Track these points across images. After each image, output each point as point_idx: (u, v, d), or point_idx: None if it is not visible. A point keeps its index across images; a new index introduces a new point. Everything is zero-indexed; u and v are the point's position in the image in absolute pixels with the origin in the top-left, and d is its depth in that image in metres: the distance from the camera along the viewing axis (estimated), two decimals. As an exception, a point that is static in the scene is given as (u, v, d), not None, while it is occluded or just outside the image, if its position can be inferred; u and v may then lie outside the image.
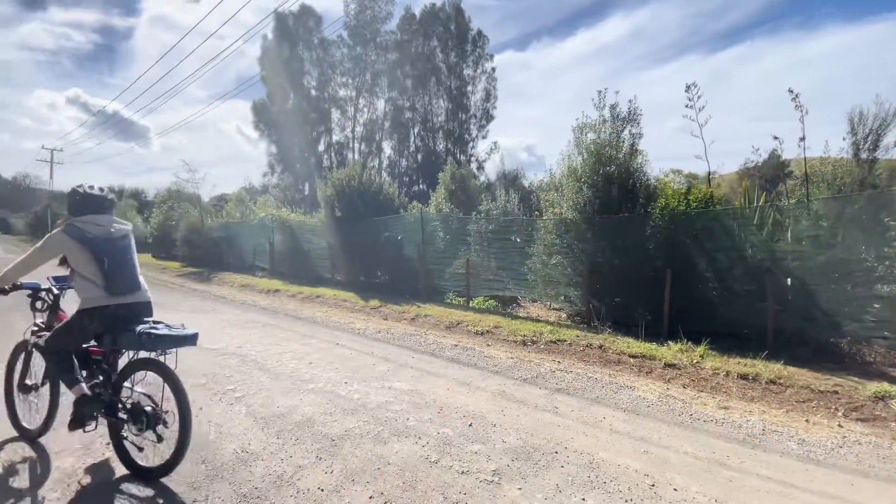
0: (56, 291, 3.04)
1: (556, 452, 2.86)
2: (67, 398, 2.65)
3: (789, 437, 3.24)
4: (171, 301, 8.59)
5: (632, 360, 4.93)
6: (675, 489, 2.47)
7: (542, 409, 3.58)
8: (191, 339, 2.65)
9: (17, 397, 3.08)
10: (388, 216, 10.08)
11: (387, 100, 37.48)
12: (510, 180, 19.48)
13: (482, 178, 26.34)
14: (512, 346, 5.49)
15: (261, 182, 36.45)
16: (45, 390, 2.95)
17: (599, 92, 6.83)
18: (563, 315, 7.23)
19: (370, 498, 2.36)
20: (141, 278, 2.87)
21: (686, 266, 5.85)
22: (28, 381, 3.05)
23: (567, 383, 4.24)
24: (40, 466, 2.74)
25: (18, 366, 3.11)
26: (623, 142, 6.62)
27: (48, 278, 3.06)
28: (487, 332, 5.98)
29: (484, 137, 37.78)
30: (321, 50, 35.69)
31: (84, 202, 2.68)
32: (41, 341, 2.79)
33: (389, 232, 9.80)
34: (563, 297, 6.90)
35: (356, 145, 37.77)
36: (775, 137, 6.44)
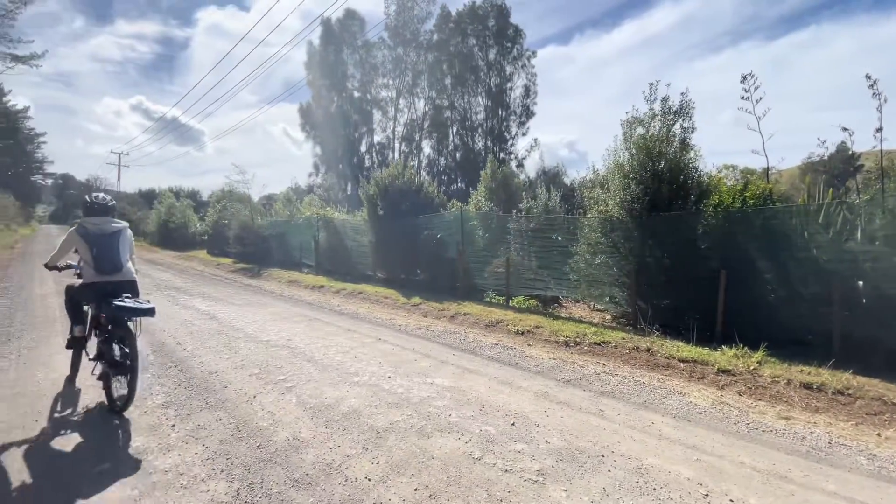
0: None
1: (603, 456, 2.81)
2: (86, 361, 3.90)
3: (859, 451, 3.01)
4: (225, 295, 9.11)
5: (682, 364, 4.73)
6: (731, 500, 2.36)
7: (587, 411, 3.51)
8: (148, 312, 3.35)
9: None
10: (427, 215, 10.20)
11: (426, 99, 37.83)
12: (551, 177, 19.09)
13: (522, 176, 25.99)
14: (554, 346, 5.41)
15: (306, 182, 37.83)
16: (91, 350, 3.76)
17: (651, 84, 6.57)
18: (608, 316, 7.04)
19: (415, 490, 2.42)
20: (129, 263, 3.74)
21: (742, 267, 5.53)
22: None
23: (612, 386, 4.14)
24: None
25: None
26: (674, 136, 6.35)
27: None
28: (528, 331, 5.93)
29: (524, 134, 37.35)
30: (364, 52, 36.53)
31: (91, 207, 3.68)
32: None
33: (429, 230, 9.91)
34: (607, 298, 6.71)
35: (396, 145, 38.39)
36: (844, 129, 5.97)
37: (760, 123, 6.78)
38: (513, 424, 3.22)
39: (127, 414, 3.35)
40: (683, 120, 6.48)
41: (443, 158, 38.96)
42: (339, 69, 36.16)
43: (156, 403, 3.56)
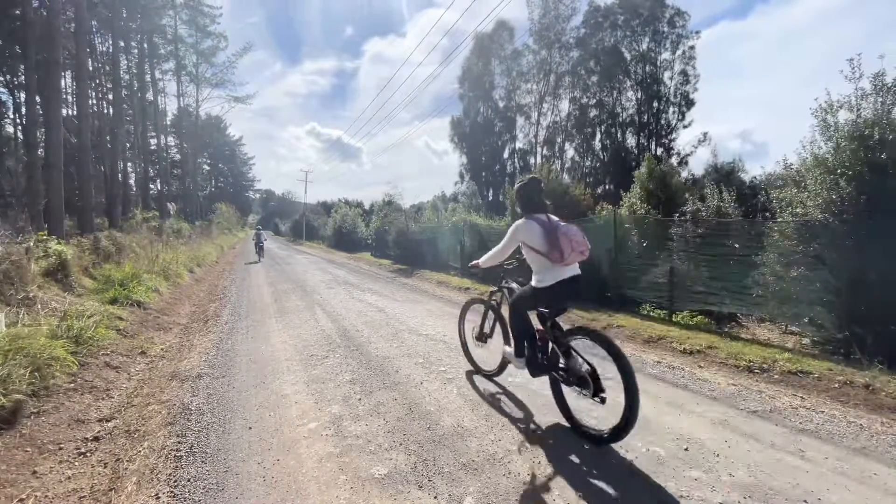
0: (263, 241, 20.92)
1: (806, 502, 2.38)
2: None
3: None
4: (388, 292, 10.29)
5: (923, 410, 3.66)
6: None
7: (782, 448, 2.99)
8: (263, 249, 20.42)
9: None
10: (573, 220, 9.84)
11: (570, 100, 36.66)
12: (723, 175, 16.49)
13: (685, 174, 23.12)
14: (732, 371, 4.71)
15: (452, 191, 40.13)
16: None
17: (851, 60, 5.37)
18: (805, 341, 5.81)
19: (580, 496, 2.42)
20: (263, 239, 20.14)
21: None
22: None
23: (816, 425, 3.43)
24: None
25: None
26: (898, 118, 5.00)
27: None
28: (698, 351, 5.27)
29: (685, 126, 33.31)
30: (510, 60, 37.26)
31: (257, 226, 22.84)
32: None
33: (576, 236, 9.57)
34: (805, 319, 5.52)
35: (538, 149, 38.04)
36: None
37: None
38: (686, 449, 2.93)
39: (323, 383, 4.09)
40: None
41: (587, 160, 37.22)
42: (487, 79, 37.61)
43: (345, 379, 4.26)
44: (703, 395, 3.98)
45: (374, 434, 3.16)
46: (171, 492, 2.49)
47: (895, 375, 4.28)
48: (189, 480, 2.60)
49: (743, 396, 3.96)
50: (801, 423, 3.46)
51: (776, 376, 4.50)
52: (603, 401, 2.92)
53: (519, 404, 3.66)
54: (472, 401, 3.73)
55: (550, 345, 3.27)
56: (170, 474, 2.67)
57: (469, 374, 4.38)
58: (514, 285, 3.90)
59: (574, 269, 3.20)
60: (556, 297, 3.19)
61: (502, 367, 4.07)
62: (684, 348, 5.39)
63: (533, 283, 3.27)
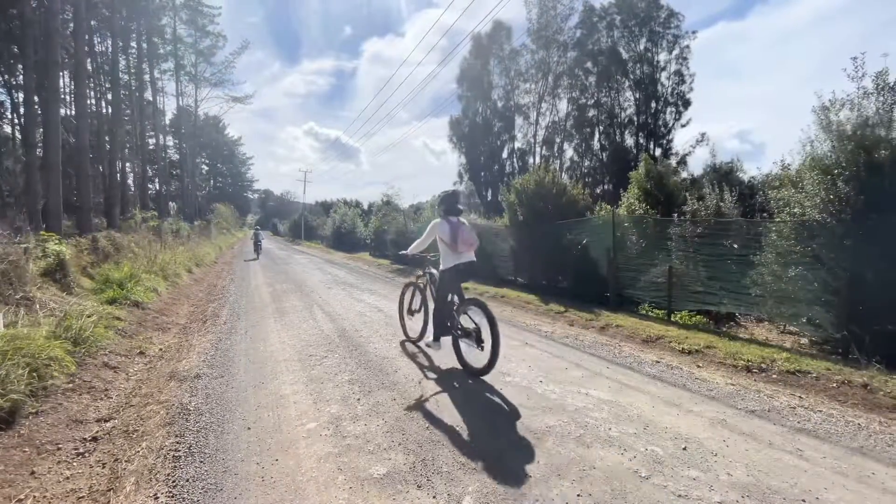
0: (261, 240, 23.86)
1: (804, 501, 2.39)
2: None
3: None
4: (387, 291, 10.27)
5: (921, 410, 3.67)
6: None
7: (780, 448, 3.00)
8: (261, 245, 23.38)
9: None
10: (571, 219, 9.86)
11: (569, 100, 36.63)
12: (722, 174, 16.49)
13: (684, 174, 23.17)
14: (731, 370, 4.72)
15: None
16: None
17: (855, 59, 5.36)
18: (804, 340, 5.83)
19: (577, 496, 2.42)
20: (261, 237, 23.46)
21: None
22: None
23: (814, 424, 3.44)
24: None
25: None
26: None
27: (257, 237, 23.80)
28: (697, 351, 5.28)
29: (683, 126, 33.32)
30: (508, 60, 37.26)
31: (255, 226, 26.98)
32: None
33: (572, 236, 9.58)
34: (804, 319, 5.54)
35: (537, 149, 38.02)
36: None
37: None
38: (684, 449, 2.94)
39: (322, 383, 4.09)
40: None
41: (587, 160, 37.20)
42: (485, 79, 37.58)
43: (344, 379, 4.26)
44: (702, 395, 3.98)
45: (373, 434, 3.15)
46: (170, 492, 2.49)
47: (893, 375, 4.30)
48: (188, 481, 2.60)
49: (741, 396, 3.97)
50: (799, 422, 3.47)
51: (774, 376, 4.51)
52: (482, 348, 4.14)
53: (507, 402, 3.67)
54: (471, 400, 3.73)
55: (452, 312, 4.48)
56: (168, 474, 2.66)
57: (469, 376, 4.39)
58: (434, 271, 5.09)
59: (469, 257, 4.57)
60: (456, 276, 4.52)
61: (420, 336, 5.36)
62: (683, 348, 5.40)
63: (441, 267, 4.61)
